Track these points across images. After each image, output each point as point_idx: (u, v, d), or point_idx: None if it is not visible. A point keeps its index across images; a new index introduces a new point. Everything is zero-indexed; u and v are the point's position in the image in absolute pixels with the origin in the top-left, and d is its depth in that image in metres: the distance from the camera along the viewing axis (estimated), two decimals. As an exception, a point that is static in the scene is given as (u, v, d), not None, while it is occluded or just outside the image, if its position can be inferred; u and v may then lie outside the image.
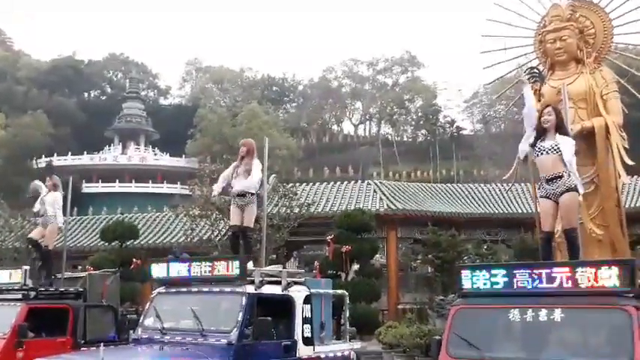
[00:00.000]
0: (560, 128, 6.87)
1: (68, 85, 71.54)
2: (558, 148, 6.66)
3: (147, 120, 71.12)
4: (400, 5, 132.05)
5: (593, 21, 11.57)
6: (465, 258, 21.79)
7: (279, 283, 7.94)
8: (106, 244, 23.83)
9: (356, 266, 21.33)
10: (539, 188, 7.01)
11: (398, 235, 25.55)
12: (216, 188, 9.33)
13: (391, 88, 78.96)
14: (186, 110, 70.31)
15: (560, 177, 6.60)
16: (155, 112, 74.09)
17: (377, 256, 26.12)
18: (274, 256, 22.76)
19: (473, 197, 28.88)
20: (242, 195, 8.91)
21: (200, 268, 7.77)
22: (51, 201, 11.28)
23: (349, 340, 9.25)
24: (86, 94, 77.75)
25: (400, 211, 24.59)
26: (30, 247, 11.47)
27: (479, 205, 27.82)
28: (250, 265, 8.03)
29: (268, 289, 7.73)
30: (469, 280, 5.98)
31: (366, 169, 63.12)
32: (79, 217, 31.48)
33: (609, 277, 5.29)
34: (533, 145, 6.88)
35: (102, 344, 6.61)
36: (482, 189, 29.94)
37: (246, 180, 8.82)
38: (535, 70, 11.46)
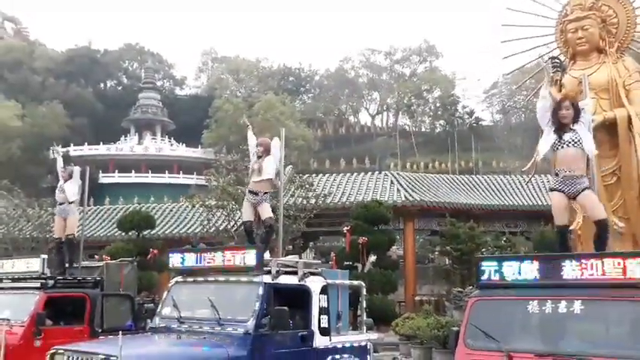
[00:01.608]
0: (578, 120, 6.69)
1: (84, 76, 71.78)
2: (579, 140, 6.50)
3: (163, 110, 71.32)
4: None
5: (616, 10, 11.33)
6: (484, 250, 21.65)
7: (295, 273, 7.92)
8: (123, 234, 24.01)
9: (373, 257, 21.30)
10: (554, 180, 6.84)
11: (415, 227, 25.47)
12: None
13: (409, 78, 78.55)
14: (202, 101, 70.42)
15: (580, 177, 6.46)
16: (171, 102, 74.27)
17: (394, 247, 26.08)
18: (291, 247, 22.82)
19: (492, 189, 28.66)
20: (254, 193, 8.94)
21: (217, 258, 7.77)
22: (70, 191, 11.32)
23: (366, 331, 9.20)
24: (102, 85, 77.97)
25: (417, 202, 24.48)
26: (59, 243, 11.49)
27: (498, 197, 27.59)
28: (267, 255, 8.02)
29: (285, 280, 7.71)
30: (488, 271, 5.90)
31: (383, 160, 62.93)
32: (95, 207, 31.78)
33: (633, 270, 5.18)
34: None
35: (120, 333, 6.66)
36: (502, 180, 29.69)
37: (258, 178, 8.87)
38: (556, 60, 11.31)
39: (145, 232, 23.70)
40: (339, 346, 8.19)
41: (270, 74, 77.90)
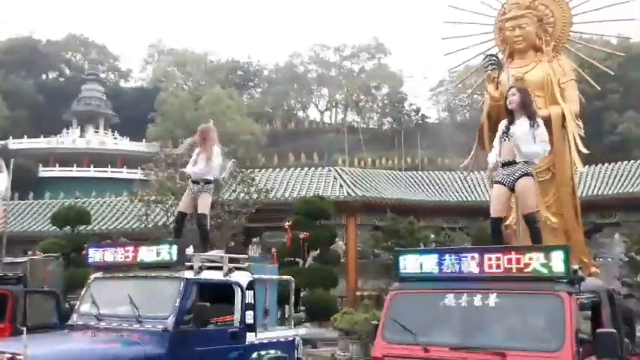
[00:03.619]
0: (526, 107, 6.71)
1: (25, 66, 69.49)
2: (523, 136, 6.52)
3: (107, 103, 69.47)
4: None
5: (553, 9, 11.55)
6: (422, 245, 21.85)
7: (221, 268, 7.76)
8: (58, 229, 23.32)
9: (314, 253, 21.28)
10: (498, 172, 6.89)
11: (357, 223, 25.56)
12: (188, 170, 8.95)
13: (357, 74, 78.98)
14: (148, 93, 68.91)
15: (516, 163, 6.50)
16: (115, 95, 72.45)
17: (340, 242, 26.12)
18: (232, 242, 22.59)
19: (434, 185, 28.99)
20: (196, 182, 8.66)
21: (137, 253, 7.54)
22: None
23: (295, 326, 9.12)
24: (44, 76, 75.65)
25: (359, 198, 24.57)
26: None
27: (439, 193, 27.95)
28: (190, 250, 7.82)
29: (209, 275, 7.54)
30: (406, 264, 5.88)
31: (332, 156, 63.08)
32: (30, 202, 30.85)
33: (545, 263, 5.22)
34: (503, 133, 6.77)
35: (37, 330, 6.38)
36: (443, 177, 30.05)
37: (202, 167, 8.59)
38: (494, 58, 11.46)
39: (81, 228, 23.05)
40: (265, 341, 8.09)
41: (217, 68, 76.99)
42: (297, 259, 20.57)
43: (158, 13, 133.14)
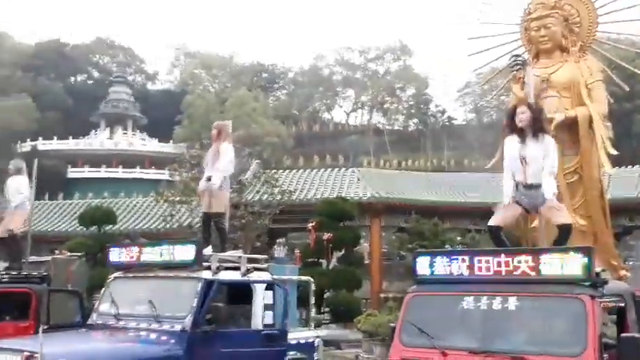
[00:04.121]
0: (537, 124, 6.40)
1: (54, 69, 70.50)
2: (540, 157, 6.26)
3: (134, 105, 70.35)
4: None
5: (579, 9, 11.46)
6: (448, 247, 21.65)
7: (239, 269, 7.73)
8: (84, 229, 23.60)
9: (338, 254, 21.21)
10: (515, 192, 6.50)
11: (382, 224, 25.35)
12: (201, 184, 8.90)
13: (383, 76, 78.63)
14: (175, 96, 69.61)
15: (538, 186, 6.24)
16: (143, 97, 73.26)
17: (365, 244, 26.01)
18: (258, 243, 22.61)
19: (460, 186, 28.66)
20: (208, 179, 8.60)
21: (156, 253, 7.56)
22: (15, 186, 10.96)
23: (315, 327, 9.06)
24: (72, 78, 76.69)
25: (384, 199, 24.39)
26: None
27: (465, 194, 27.58)
28: (208, 250, 7.81)
29: (227, 275, 7.50)
30: (423, 266, 5.77)
31: (357, 157, 62.96)
32: (58, 202, 31.33)
33: (567, 265, 5.08)
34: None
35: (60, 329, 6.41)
36: (469, 178, 29.70)
37: (213, 165, 8.55)
38: (520, 58, 11.34)
39: (107, 228, 23.31)
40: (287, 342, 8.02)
41: (243, 70, 77.33)
42: (321, 260, 20.50)
43: (184, 15, 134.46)
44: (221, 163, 8.45)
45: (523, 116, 6.35)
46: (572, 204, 10.34)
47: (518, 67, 10.95)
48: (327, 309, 20.02)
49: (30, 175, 11.30)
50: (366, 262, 24.40)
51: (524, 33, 11.70)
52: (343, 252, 21.43)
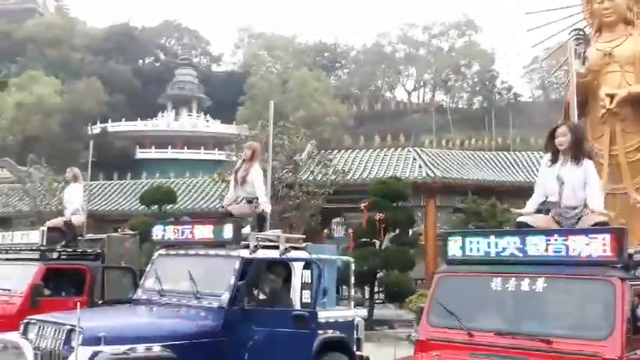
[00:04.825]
0: (578, 147, 5.98)
1: (122, 52, 72.73)
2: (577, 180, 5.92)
3: (199, 87, 71.88)
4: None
5: (645, -21, 10.86)
6: (505, 227, 21.19)
7: (277, 248, 7.84)
8: (146, 208, 24.37)
9: (391, 234, 21.11)
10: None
11: (437, 204, 25.07)
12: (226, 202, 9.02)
13: (447, 52, 76.97)
14: (238, 77, 70.53)
15: (575, 207, 5.96)
16: (207, 79, 74.69)
17: (422, 225, 25.77)
18: (312, 223, 22.78)
19: (520, 165, 27.95)
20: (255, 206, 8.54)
21: (196, 232, 7.75)
22: (71, 195, 11.39)
23: (354, 307, 9.10)
24: (140, 61, 78.87)
25: (439, 179, 24.06)
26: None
27: (525, 174, 26.88)
28: (247, 229, 7.95)
29: (265, 254, 7.62)
30: (455, 246, 5.69)
31: (419, 137, 62.05)
32: (123, 182, 32.40)
33: (596, 247, 4.91)
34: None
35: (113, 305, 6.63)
36: (531, 157, 28.85)
37: (242, 185, 8.60)
38: (581, 33, 10.94)
39: (168, 207, 23.98)
40: (323, 321, 8.10)
41: (305, 50, 77.47)
42: (374, 241, 20.47)
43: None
44: (258, 189, 8.48)
45: (563, 139, 5.93)
46: (633, 183, 10.05)
47: (579, 41, 10.57)
48: (380, 289, 20.06)
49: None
50: (421, 242, 24.19)
51: (587, 6, 11.23)
52: (397, 232, 21.30)
